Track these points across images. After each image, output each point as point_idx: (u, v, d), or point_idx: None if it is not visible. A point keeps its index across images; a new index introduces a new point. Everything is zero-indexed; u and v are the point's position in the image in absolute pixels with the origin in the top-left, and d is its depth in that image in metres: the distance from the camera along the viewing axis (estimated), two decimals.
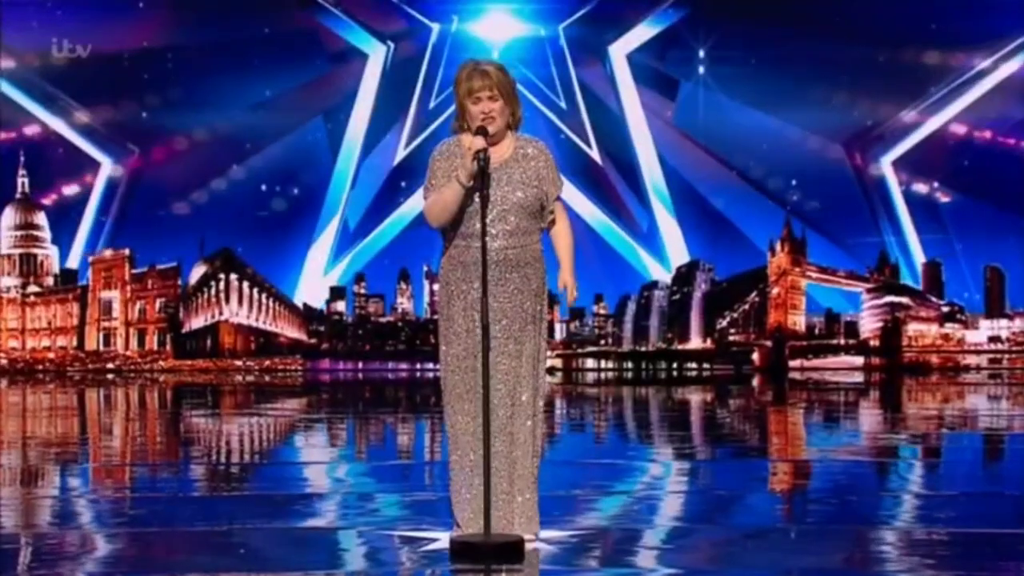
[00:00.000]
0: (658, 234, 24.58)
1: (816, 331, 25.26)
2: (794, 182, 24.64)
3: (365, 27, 24.52)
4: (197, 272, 25.22)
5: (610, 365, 25.34)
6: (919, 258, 24.48)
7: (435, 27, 24.48)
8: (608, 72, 24.61)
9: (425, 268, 24.87)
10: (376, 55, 24.58)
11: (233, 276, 24.99)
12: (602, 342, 25.40)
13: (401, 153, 24.69)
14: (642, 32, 24.43)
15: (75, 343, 25.37)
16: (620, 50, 24.51)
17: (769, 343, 24.93)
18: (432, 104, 24.55)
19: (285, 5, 24.10)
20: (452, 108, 5.64)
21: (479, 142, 5.42)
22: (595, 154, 24.73)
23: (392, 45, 24.67)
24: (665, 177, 24.50)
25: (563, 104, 24.61)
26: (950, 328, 24.79)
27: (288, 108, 24.51)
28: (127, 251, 25.15)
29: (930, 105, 24.11)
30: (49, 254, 25.23)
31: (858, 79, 24.07)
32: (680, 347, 25.19)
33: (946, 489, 7.95)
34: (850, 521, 6.46)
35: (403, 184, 24.52)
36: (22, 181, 24.66)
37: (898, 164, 24.43)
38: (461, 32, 24.43)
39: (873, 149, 24.46)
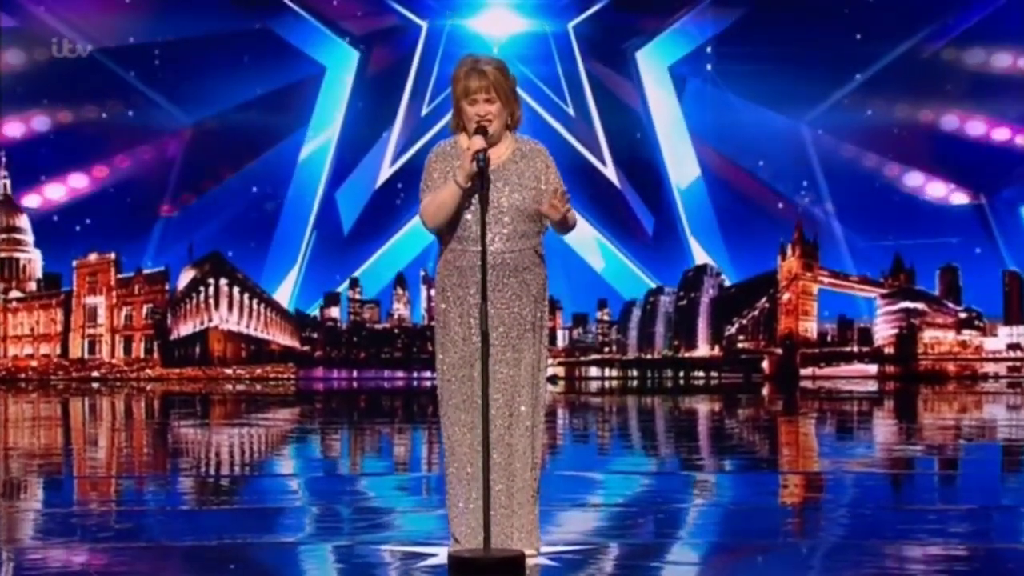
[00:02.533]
0: (685, 242, 24.44)
1: (828, 338, 25.23)
2: (805, 183, 24.62)
3: (336, 29, 24.31)
4: (185, 277, 25.22)
5: (614, 373, 25.31)
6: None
7: (424, 24, 24.35)
8: (635, 79, 24.34)
9: (422, 273, 24.86)
10: (345, 62, 24.40)
11: (223, 281, 24.98)
12: (606, 350, 25.38)
13: (386, 173, 24.51)
14: (683, 38, 24.20)
15: (59, 351, 25.37)
16: (656, 57, 24.25)
17: (779, 350, 24.92)
18: (424, 111, 24.39)
19: (253, 5, 23.96)
20: (447, 119, 5.64)
21: (478, 142, 5.41)
22: (607, 158, 24.56)
23: (364, 50, 24.44)
24: (690, 183, 24.40)
25: (571, 111, 24.46)
26: (967, 335, 24.78)
27: (279, 109, 24.47)
28: (113, 255, 25.14)
29: (951, 104, 24.09)
30: (32, 258, 25.22)
31: (873, 75, 24.06)
32: (687, 355, 25.18)
33: (964, 502, 7.95)
34: (864, 536, 6.46)
35: (399, 195, 24.41)
36: (3, 183, 24.68)
37: (916, 164, 24.41)
38: (456, 28, 24.34)
39: (892, 149, 24.43)
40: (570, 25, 24.32)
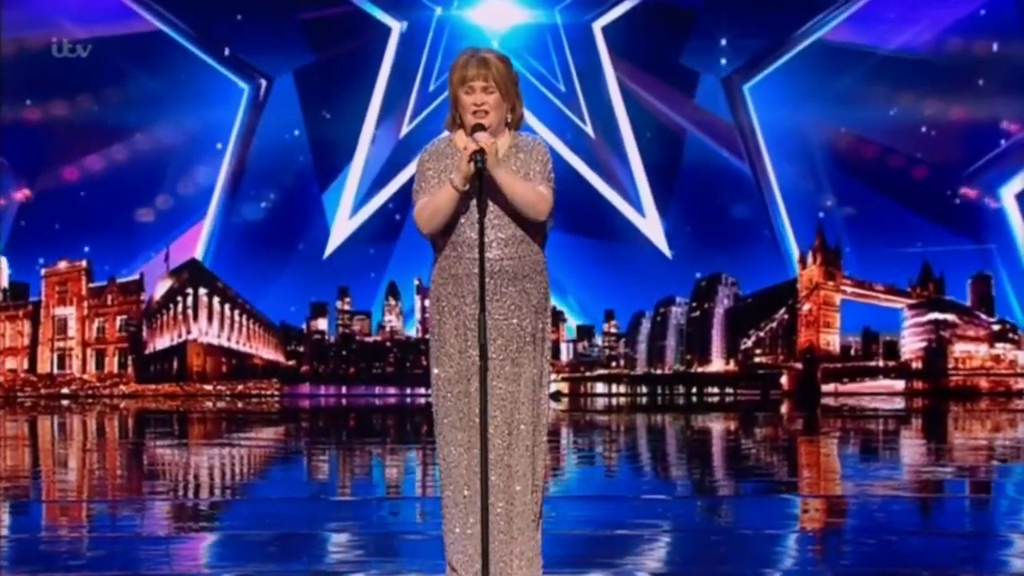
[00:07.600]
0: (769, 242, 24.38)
1: (852, 352, 25.24)
2: (826, 185, 24.64)
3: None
4: (162, 286, 25.24)
5: (622, 389, 25.32)
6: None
7: (397, 26, 24.19)
8: (734, 100, 24.13)
9: (416, 282, 24.88)
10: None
11: (202, 291, 25.00)
12: (613, 364, 25.40)
13: (346, 221, 24.44)
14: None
15: (26, 365, 25.39)
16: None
17: (799, 365, 24.94)
18: (405, 129, 24.23)
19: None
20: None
21: (476, 140, 5.41)
22: (637, 173, 24.36)
23: (264, 83, 24.29)
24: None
25: (588, 129, 24.31)
26: (1001, 348, 24.79)
27: (265, 104, 24.49)
28: (84, 263, 25.16)
29: (980, 100, 24.13)
30: None
31: (897, 73, 24.12)
32: (700, 370, 25.19)
33: (996, 528, 7.95)
34: (889, 564, 6.47)
35: (391, 200, 24.38)
36: None
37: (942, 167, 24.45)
38: (448, 19, 24.22)
39: (921, 148, 24.46)
40: (597, 25, 24.05)
